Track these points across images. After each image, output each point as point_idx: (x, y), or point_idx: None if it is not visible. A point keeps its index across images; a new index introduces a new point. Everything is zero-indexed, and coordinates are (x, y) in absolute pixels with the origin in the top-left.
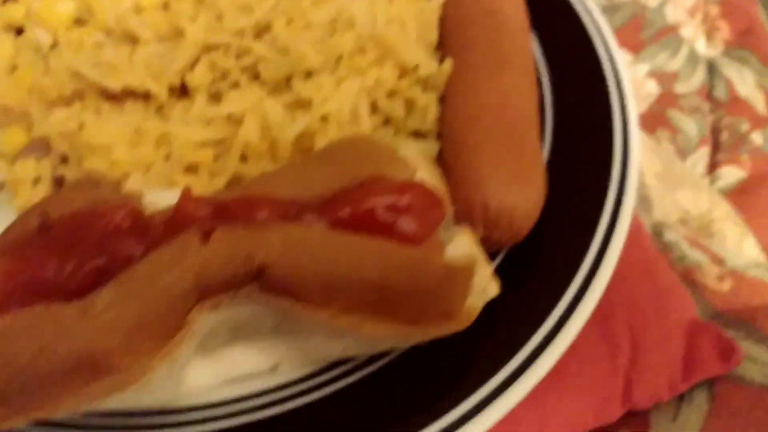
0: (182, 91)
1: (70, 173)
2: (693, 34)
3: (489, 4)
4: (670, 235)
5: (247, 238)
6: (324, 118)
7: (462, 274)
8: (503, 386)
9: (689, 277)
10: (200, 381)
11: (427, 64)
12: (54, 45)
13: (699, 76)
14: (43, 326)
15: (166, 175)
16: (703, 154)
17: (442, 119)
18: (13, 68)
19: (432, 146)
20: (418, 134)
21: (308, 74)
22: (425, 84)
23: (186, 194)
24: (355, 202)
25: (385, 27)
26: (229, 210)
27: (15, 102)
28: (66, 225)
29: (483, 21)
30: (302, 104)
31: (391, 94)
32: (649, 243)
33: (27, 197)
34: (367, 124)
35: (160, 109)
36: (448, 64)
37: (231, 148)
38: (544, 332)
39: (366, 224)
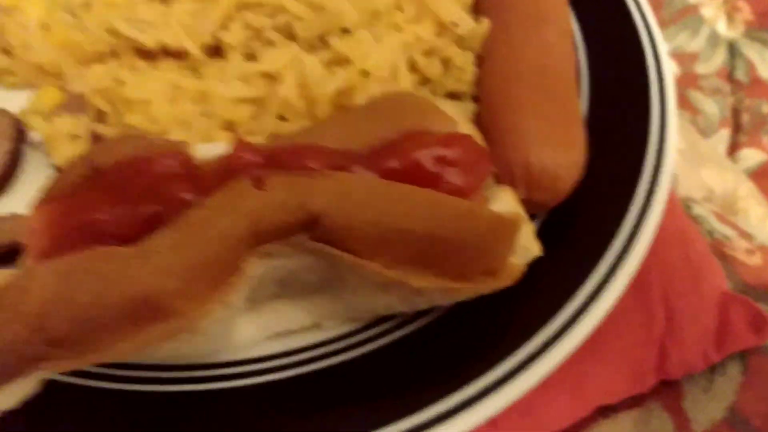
0: (215, 51)
1: (107, 130)
2: (713, 15)
3: None
4: (698, 210)
5: (301, 186)
6: (364, 73)
7: (508, 227)
8: (541, 350)
9: (719, 250)
10: (246, 334)
11: (465, 22)
12: (85, 3)
13: (719, 57)
14: (102, 268)
15: (205, 132)
16: (723, 135)
17: (479, 80)
18: (45, 27)
19: (468, 108)
20: (454, 96)
21: (344, 32)
22: (462, 43)
23: (239, 141)
24: (404, 153)
25: None
26: (280, 158)
27: (49, 61)
28: (117, 171)
29: None
30: (340, 61)
31: (429, 52)
32: (681, 212)
33: (65, 154)
34: (406, 80)
35: (194, 68)
36: (485, 22)
37: (268, 106)
38: (583, 296)
39: (414, 176)
